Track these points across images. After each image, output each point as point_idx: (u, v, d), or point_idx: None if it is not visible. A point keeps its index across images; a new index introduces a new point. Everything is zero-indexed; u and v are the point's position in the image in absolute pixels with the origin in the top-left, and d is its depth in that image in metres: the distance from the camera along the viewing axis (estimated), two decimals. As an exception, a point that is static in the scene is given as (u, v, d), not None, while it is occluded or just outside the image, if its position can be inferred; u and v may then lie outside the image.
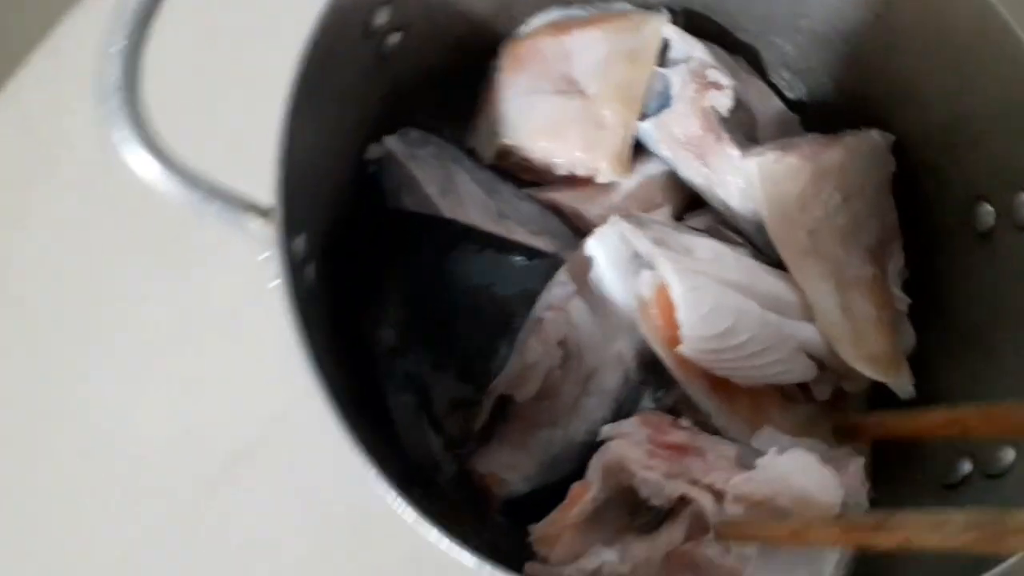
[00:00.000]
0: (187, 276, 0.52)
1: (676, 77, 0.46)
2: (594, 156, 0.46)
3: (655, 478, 0.32)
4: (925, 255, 0.45)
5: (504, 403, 0.41)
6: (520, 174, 0.48)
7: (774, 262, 0.43)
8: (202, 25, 0.55)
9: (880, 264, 0.43)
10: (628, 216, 0.42)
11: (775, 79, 0.52)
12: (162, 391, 0.50)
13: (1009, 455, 0.33)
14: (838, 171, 0.43)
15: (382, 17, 0.40)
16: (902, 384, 0.40)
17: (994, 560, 0.27)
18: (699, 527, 0.30)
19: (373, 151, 0.45)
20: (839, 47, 0.48)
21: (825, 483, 0.31)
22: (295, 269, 0.33)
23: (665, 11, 0.49)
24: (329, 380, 0.31)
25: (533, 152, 0.46)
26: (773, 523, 0.29)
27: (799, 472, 0.31)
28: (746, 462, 0.33)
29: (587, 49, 0.47)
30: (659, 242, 0.39)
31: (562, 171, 0.47)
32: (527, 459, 0.40)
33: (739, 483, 0.31)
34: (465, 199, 0.45)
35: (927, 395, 0.42)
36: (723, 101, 0.44)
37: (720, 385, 0.38)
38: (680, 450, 0.33)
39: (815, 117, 0.50)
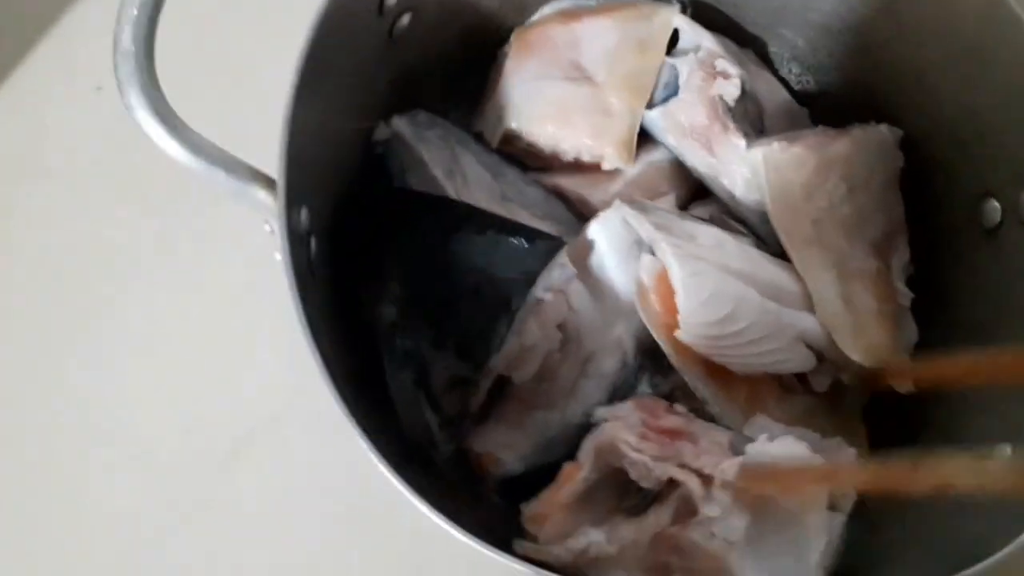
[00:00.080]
0: (191, 263, 0.53)
1: (684, 66, 0.47)
2: (600, 143, 0.46)
3: (644, 460, 0.32)
4: (931, 251, 0.45)
5: (502, 383, 0.41)
6: (526, 159, 0.48)
7: (777, 253, 0.43)
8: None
9: (884, 258, 0.43)
10: (631, 202, 0.42)
11: (784, 72, 0.52)
12: (166, 378, 0.50)
13: (1006, 450, 0.33)
14: (844, 163, 0.42)
15: (394, -4, 0.40)
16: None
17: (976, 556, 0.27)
18: (686, 510, 0.30)
19: (381, 131, 0.45)
20: (848, 40, 0.48)
21: None
22: (297, 241, 0.33)
23: (676, 1, 0.49)
24: (328, 355, 0.32)
25: (540, 137, 0.47)
26: (798, 469, 0.29)
27: (788, 460, 0.31)
28: (738, 449, 0.33)
29: (597, 37, 0.48)
30: (661, 227, 0.39)
31: (568, 157, 0.47)
32: (523, 439, 0.40)
33: (727, 468, 0.31)
34: (471, 181, 0.45)
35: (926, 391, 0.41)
36: (730, 90, 0.44)
37: (717, 372, 0.38)
38: (673, 434, 0.33)
39: (824, 111, 0.50)
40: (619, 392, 0.40)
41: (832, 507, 0.31)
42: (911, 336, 0.44)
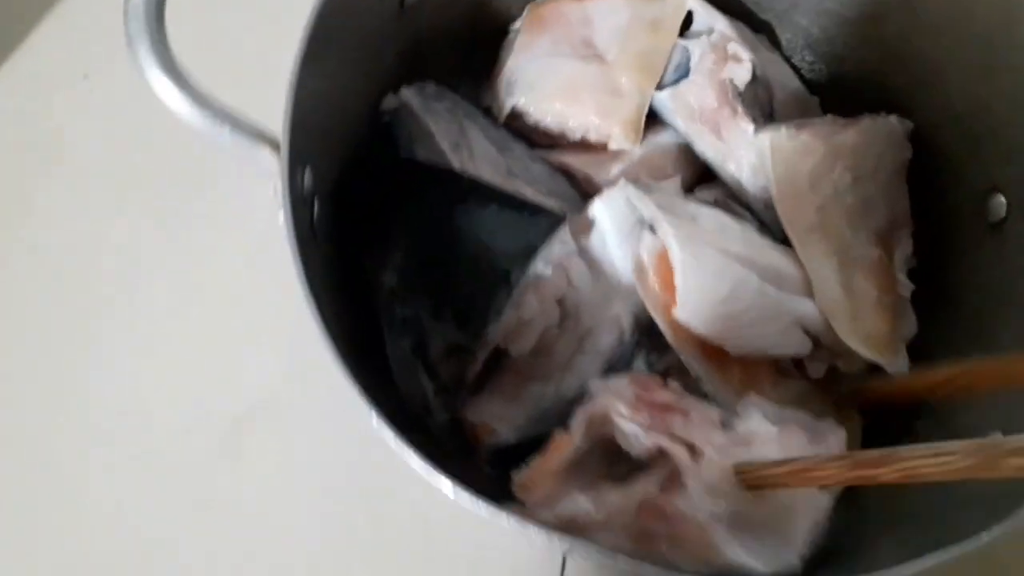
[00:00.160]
0: (194, 239, 0.53)
1: (696, 49, 0.46)
2: (608, 122, 0.46)
3: (635, 430, 0.32)
4: (934, 245, 0.45)
5: (499, 356, 0.42)
6: (533, 136, 0.48)
7: (780, 240, 0.43)
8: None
9: (887, 248, 0.43)
10: (636, 181, 0.42)
11: (797, 60, 0.52)
12: (170, 353, 0.51)
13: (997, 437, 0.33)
14: (851, 152, 0.42)
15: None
16: (897, 368, 0.40)
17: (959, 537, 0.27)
18: (673, 480, 0.31)
19: (389, 101, 0.45)
20: (864, 30, 0.48)
21: (802, 451, 0.31)
22: (300, 202, 0.33)
23: (691, -17, 0.49)
24: (328, 320, 0.32)
25: (548, 114, 0.47)
26: (778, 465, 0.29)
27: (776, 438, 0.31)
28: (729, 426, 0.33)
29: (609, 15, 0.48)
30: (664, 207, 0.39)
31: (575, 135, 0.47)
32: (518, 411, 0.40)
33: (716, 441, 0.31)
34: (477, 155, 0.45)
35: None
36: (741, 74, 0.44)
37: (714, 353, 0.38)
38: (665, 408, 0.33)
39: (835, 100, 0.50)
40: (614, 369, 0.40)
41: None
42: (910, 328, 0.44)
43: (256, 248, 0.52)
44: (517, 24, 0.49)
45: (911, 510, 0.32)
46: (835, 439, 0.32)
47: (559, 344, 0.42)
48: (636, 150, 0.47)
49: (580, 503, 0.30)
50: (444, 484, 0.28)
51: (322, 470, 0.48)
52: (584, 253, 0.41)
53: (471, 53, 0.50)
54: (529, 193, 0.44)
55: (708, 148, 0.46)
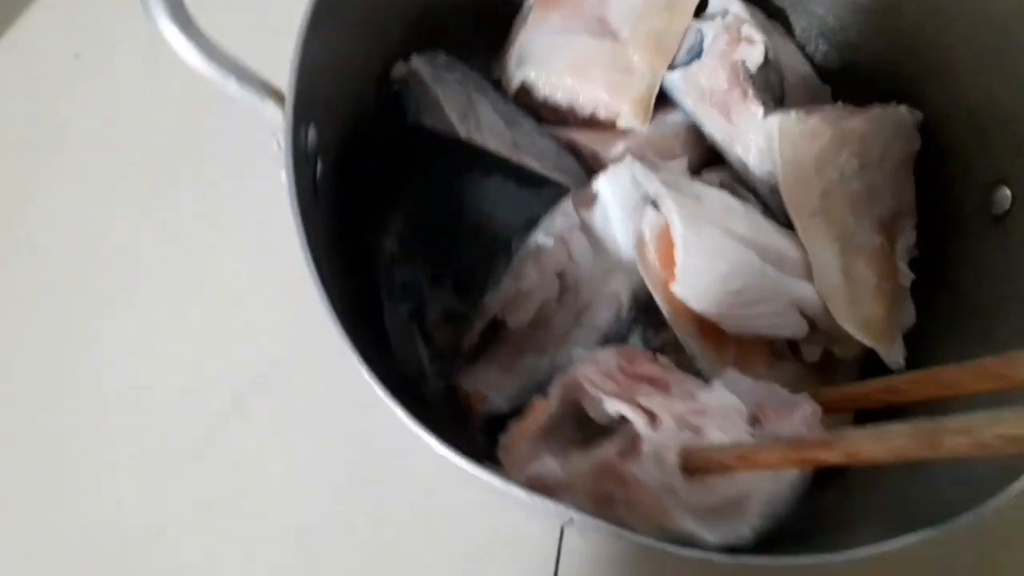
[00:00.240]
0: (194, 215, 0.53)
1: (710, 30, 0.46)
2: (617, 100, 0.46)
3: (600, 396, 0.32)
4: (937, 236, 0.45)
5: (496, 327, 0.42)
6: (543, 112, 0.48)
7: (784, 224, 0.43)
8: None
9: (890, 237, 0.43)
10: (643, 159, 0.42)
11: (811, 49, 0.52)
12: (174, 327, 0.51)
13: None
14: (859, 139, 0.42)
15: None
16: (892, 355, 0.40)
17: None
18: (634, 447, 0.31)
19: (399, 69, 0.45)
20: (879, 19, 0.48)
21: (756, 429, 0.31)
22: (303, 158, 0.33)
23: (707, -34, 0.48)
24: (327, 281, 0.32)
25: (558, 89, 0.47)
26: (724, 449, 0.30)
27: (734, 408, 0.31)
28: (693, 397, 0.33)
29: (625, -7, 0.47)
30: (669, 184, 0.39)
31: (584, 112, 0.47)
32: (512, 381, 0.41)
33: (676, 410, 0.31)
34: (484, 127, 0.45)
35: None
36: (754, 56, 0.44)
37: (710, 331, 0.38)
38: (643, 379, 0.33)
39: (847, 90, 0.50)
40: (610, 343, 0.40)
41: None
42: (908, 317, 0.43)
43: (256, 223, 0.51)
44: (531, -1, 0.49)
45: (894, 489, 0.33)
46: (801, 414, 0.32)
47: (557, 318, 0.42)
48: (644, 129, 0.47)
49: (548, 464, 0.31)
50: (431, 442, 0.29)
51: (320, 446, 0.48)
52: (586, 228, 0.41)
53: (485, 25, 0.50)
54: (535, 167, 0.44)
55: (717, 130, 0.46)
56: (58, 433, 0.48)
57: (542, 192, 0.41)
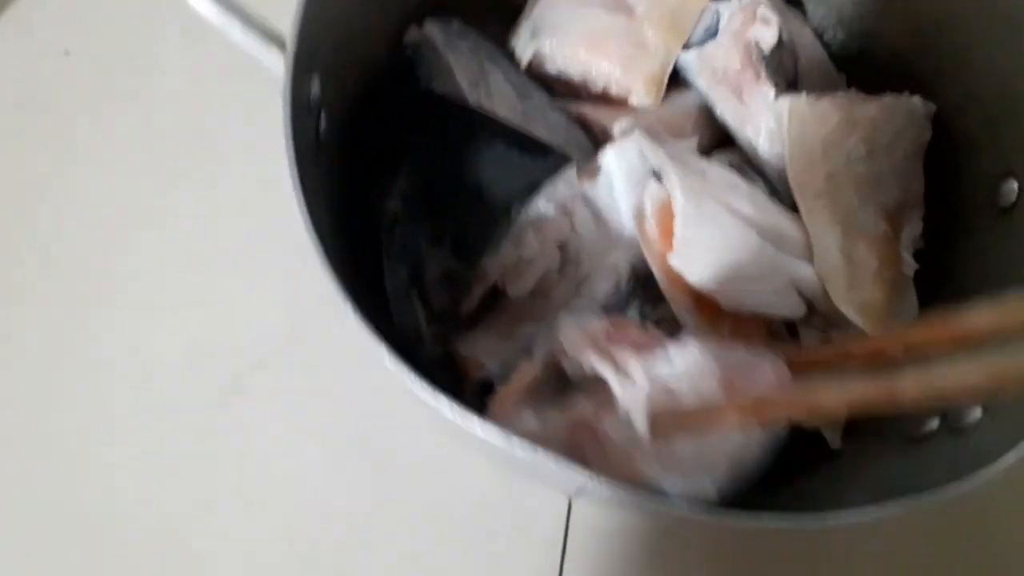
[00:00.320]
0: (202, 189, 0.53)
1: (726, 11, 0.46)
2: (630, 76, 0.46)
3: (576, 355, 0.33)
4: (947, 231, 0.45)
5: (496, 295, 0.42)
6: (554, 86, 0.49)
7: (789, 207, 0.43)
8: None
9: (895, 225, 0.42)
10: (651, 133, 0.42)
11: (828, 38, 0.52)
12: (177, 303, 0.51)
13: (976, 413, 0.33)
14: (869, 125, 0.42)
15: None
16: (890, 341, 0.40)
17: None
18: (608, 404, 0.31)
19: (412, 34, 0.45)
20: (898, 11, 0.47)
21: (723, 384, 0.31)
22: (304, 109, 0.33)
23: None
24: (325, 238, 0.32)
25: (571, 62, 0.47)
26: (687, 411, 0.30)
27: (708, 369, 0.31)
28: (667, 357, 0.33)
29: (642, -29, 0.47)
30: (674, 158, 0.39)
31: (597, 86, 0.47)
32: (509, 349, 0.41)
33: (651, 371, 0.31)
34: (495, 96, 0.46)
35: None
36: (768, 36, 0.44)
37: (706, 306, 0.38)
38: (624, 342, 0.33)
39: (862, 79, 0.49)
40: (608, 314, 0.40)
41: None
42: (910, 311, 0.43)
43: (258, 199, 0.52)
44: (550, -29, 0.49)
45: (884, 473, 0.33)
46: (762, 369, 0.32)
47: (558, 289, 0.42)
48: (656, 108, 0.47)
49: (527, 422, 0.32)
50: (440, 405, 0.29)
51: (322, 426, 0.48)
52: (589, 199, 0.41)
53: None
54: (543, 135, 0.44)
55: (728, 111, 0.46)
56: (58, 419, 0.48)
57: (547, 161, 0.41)
